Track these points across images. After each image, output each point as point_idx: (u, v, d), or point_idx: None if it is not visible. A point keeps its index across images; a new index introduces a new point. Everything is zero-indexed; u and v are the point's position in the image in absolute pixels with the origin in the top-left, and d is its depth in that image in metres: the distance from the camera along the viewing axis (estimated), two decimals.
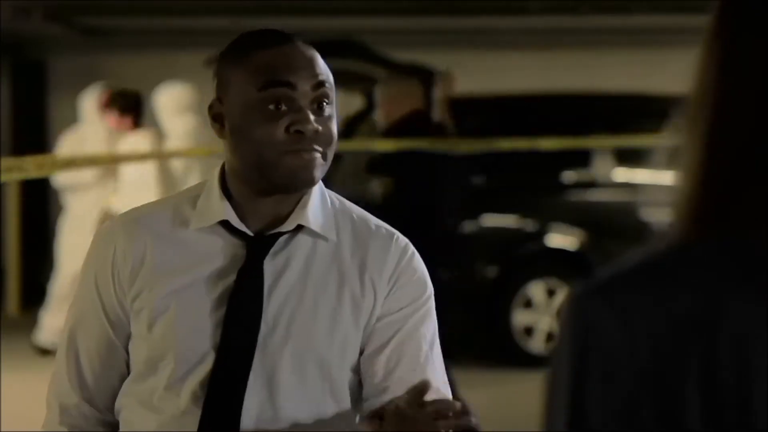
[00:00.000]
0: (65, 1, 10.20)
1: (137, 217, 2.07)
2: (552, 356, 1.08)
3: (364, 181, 6.89)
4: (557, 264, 8.25)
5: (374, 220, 2.08)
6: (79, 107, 8.38)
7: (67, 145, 8.12)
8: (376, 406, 1.93)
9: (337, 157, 2.06)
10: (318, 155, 1.94)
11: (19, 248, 10.54)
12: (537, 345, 8.05)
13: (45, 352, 8.01)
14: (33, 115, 12.08)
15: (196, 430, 1.94)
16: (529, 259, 8.29)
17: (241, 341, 1.95)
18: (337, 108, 2.01)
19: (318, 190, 2.03)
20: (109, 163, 7.72)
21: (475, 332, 8.42)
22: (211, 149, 7.28)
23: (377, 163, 6.79)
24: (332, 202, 2.07)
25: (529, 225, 8.17)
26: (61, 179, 8.05)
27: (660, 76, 8.21)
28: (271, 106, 1.92)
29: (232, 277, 1.97)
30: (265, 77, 1.93)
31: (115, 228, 2.05)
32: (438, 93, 7.03)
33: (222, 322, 1.96)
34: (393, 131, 6.53)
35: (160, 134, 7.91)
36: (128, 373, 2.05)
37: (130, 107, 7.92)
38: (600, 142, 8.13)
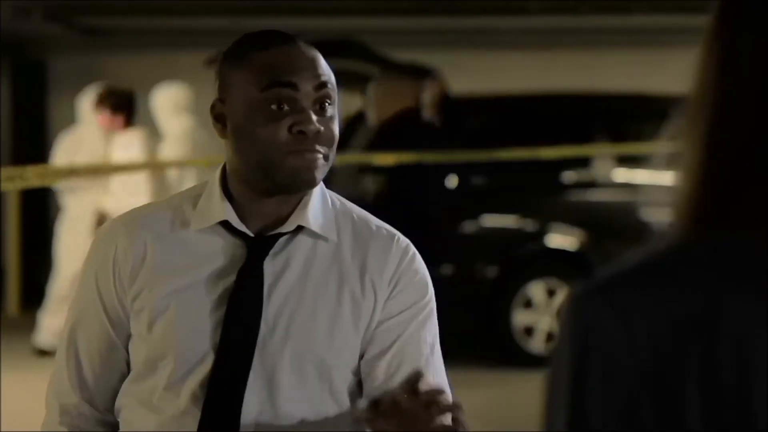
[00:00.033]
0: (65, 1, 10.20)
1: (138, 217, 2.07)
2: (552, 356, 1.08)
3: (358, 180, 6.90)
4: (557, 264, 8.25)
5: (375, 221, 2.08)
6: (78, 107, 8.38)
7: (64, 145, 8.12)
8: None
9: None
10: (320, 156, 1.94)
11: (19, 248, 10.54)
12: (537, 345, 8.05)
13: (44, 354, 8.00)
14: (33, 115, 12.08)
15: (195, 430, 1.94)
16: (529, 259, 8.28)
17: (240, 341, 1.95)
18: (339, 108, 2.01)
19: (319, 191, 2.03)
20: (111, 172, 7.73)
21: (475, 332, 8.42)
22: (209, 160, 7.30)
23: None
24: (333, 203, 2.07)
25: (529, 225, 8.17)
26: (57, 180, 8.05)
27: (660, 76, 8.21)
28: (274, 107, 1.92)
29: (232, 278, 1.97)
30: (268, 78, 1.93)
31: (116, 228, 2.05)
32: (429, 94, 7.04)
33: (222, 322, 1.96)
34: (383, 129, 6.53)
35: (152, 134, 7.90)
36: (128, 373, 2.05)
37: (122, 106, 7.92)
38: (600, 149, 8.12)
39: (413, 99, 6.83)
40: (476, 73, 10.89)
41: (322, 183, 2.02)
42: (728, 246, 1.05)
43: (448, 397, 1.81)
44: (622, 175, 8.17)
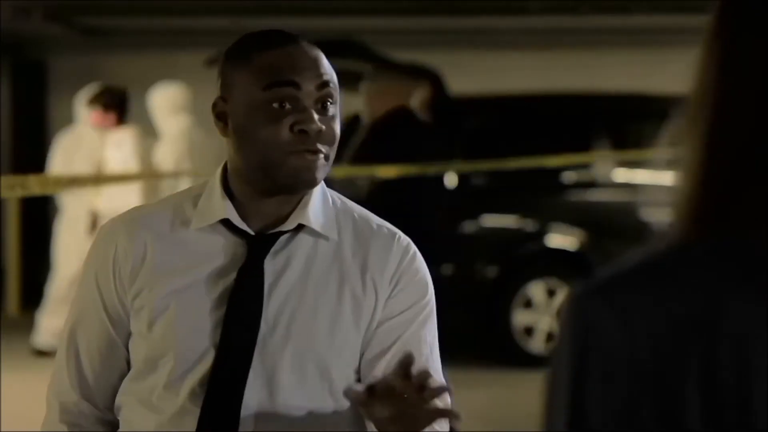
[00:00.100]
0: (65, 1, 10.20)
1: (138, 216, 2.07)
2: (552, 356, 1.08)
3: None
4: (557, 264, 8.25)
5: (376, 220, 2.08)
6: (76, 107, 8.39)
7: (63, 144, 8.12)
8: None
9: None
10: (321, 156, 1.94)
11: (19, 249, 10.54)
12: (537, 345, 8.05)
13: (43, 354, 8.00)
14: (33, 115, 12.08)
15: (195, 428, 1.94)
16: (529, 259, 8.29)
17: (241, 340, 1.95)
18: (340, 107, 2.01)
19: (320, 190, 2.03)
20: (114, 182, 7.73)
21: (475, 332, 8.42)
22: (199, 172, 7.32)
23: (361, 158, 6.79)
24: (334, 202, 2.07)
25: (529, 225, 8.17)
26: None
27: (660, 76, 8.21)
28: (275, 105, 1.92)
29: (233, 276, 1.98)
30: (270, 77, 1.93)
31: (117, 227, 2.05)
32: (419, 95, 7.03)
33: (222, 321, 1.96)
34: (376, 128, 6.53)
35: (144, 132, 7.90)
36: (128, 372, 2.05)
37: (114, 104, 7.91)
38: (602, 156, 8.12)
39: (406, 98, 6.84)
40: (476, 73, 10.88)
41: (323, 182, 2.02)
42: (728, 246, 1.05)
43: (439, 379, 1.82)
44: (622, 175, 8.17)
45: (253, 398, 1.94)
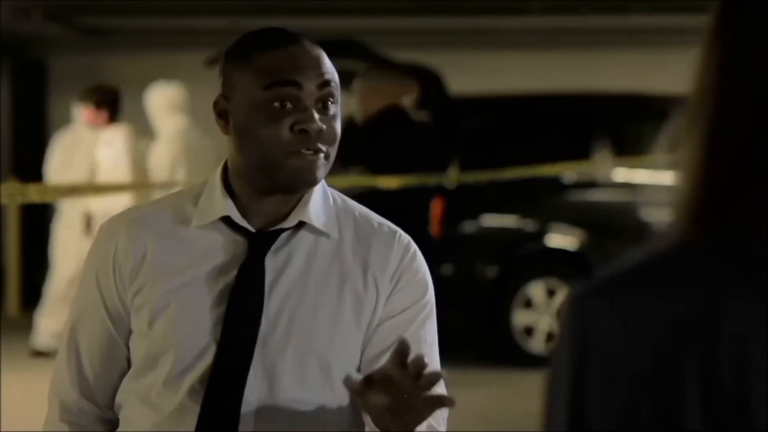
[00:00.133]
0: (65, 1, 10.20)
1: (138, 215, 2.08)
2: (552, 356, 1.08)
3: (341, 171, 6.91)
4: (557, 264, 8.25)
5: (377, 218, 2.08)
6: (74, 107, 8.39)
7: (62, 143, 8.12)
8: None
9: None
10: (321, 156, 1.94)
11: (19, 249, 10.54)
12: (537, 345, 8.05)
13: (42, 356, 8.00)
14: (33, 115, 12.08)
15: (194, 425, 1.94)
16: (529, 259, 8.29)
17: (241, 337, 1.95)
18: (342, 107, 2.01)
19: (320, 188, 2.04)
20: (115, 192, 7.72)
21: (475, 332, 8.43)
22: (192, 176, 7.32)
23: (352, 155, 6.79)
24: (335, 200, 2.07)
25: (529, 225, 8.17)
26: (53, 179, 8.05)
27: (660, 76, 8.21)
28: (276, 105, 1.93)
29: (233, 274, 1.98)
30: (271, 77, 1.93)
31: (117, 226, 2.06)
32: (409, 95, 7.04)
33: (222, 318, 1.96)
34: (370, 126, 6.53)
35: (136, 131, 7.89)
36: (129, 370, 2.05)
37: (105, 102, 7.91)
38: (603, 166, 8.12)
39: (398, 97, 6.85)
40: (476, 73, 10.89)
41: (323, 180, 2.02)
42: (728, 246, 1.05)
43: (434, 366, 1.82)
44: (622, 175, 8.17)
45: (253, 395, 1.94)
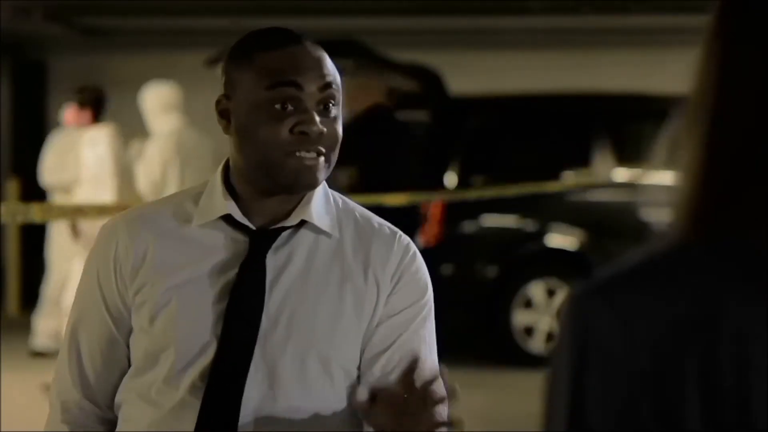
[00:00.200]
0: (65, 1, 10.20)
1: (139, 214, 2.08)
2: (552, 356, 1.08)
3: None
4: (557, 264, 8.25)
5: (377, 219, 2.09)
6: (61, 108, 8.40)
7: (55, 145, 8.12)
8: None
9: None
10: (321, 158, 1.95)
11: (19, 250, 10.55)
12: (537, 345, 8.05)
13: (41, 357, 8.00)
14: (33, 115, 12.09)
15: (194, 422, 1.94)
16: (529, 259, 8.29)
17: (242, 334, 1.96)
18: (343, 108, 2.02)
19: (322, 189, 2.04)
20: (116, 211, 7.71)
21: (475, 332, 8.43)
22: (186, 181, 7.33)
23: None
24: (335, 201, 2.08)
25: (529, 225, 8.18)
26: (48, 179, 8.05)
27: (660, 76, 8.21)
28: (277, 106, 1.93)
29: (234, 271, 1.98)
30: (273, 77, 1.93)
31: (117, 225, 2.06)
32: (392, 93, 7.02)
33: (223, 316, 1.96)
34: (357, 122, 6.53)
35: (120, 131, 7.89)
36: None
37: (89, 102, 7.91)
38: (601, 175, 8.13)
39: (383, 95, 6.85)
40: (476, 73, 10.89)
41: (324, 182, 2.03)
42: (728, 246, 1.05)
43: (442, 387, 1.81)
44: (622, 175, 8.17)
45: (253, 392, 1.95)
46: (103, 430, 2.09)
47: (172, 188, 7.51)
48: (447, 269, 7.93)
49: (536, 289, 8.13)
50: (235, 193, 2.02)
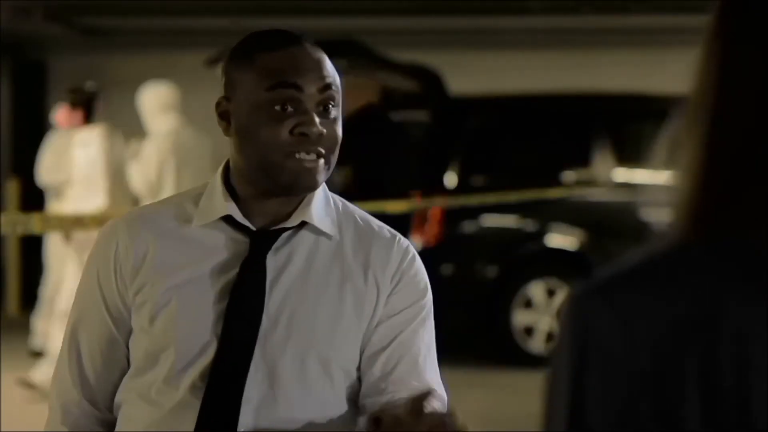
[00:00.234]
0: (65, 1, 10.20)
1: (139, 215, 2.09)
2: (552, 356, 1.08)
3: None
4: (557, 264, 8.25)
5: (377, 222, 2.10)
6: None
7: (52, 145, 8.12)
8: (374, 406, 1.94)
9: None
10: (321, 160, 1.95)
11: (19, 249, 10.54)
12: (537, 345, 8.05)
13: (41, 357, 8.00)
14: (33, 115, 12.08)
15: (194, 422, 1.94)
16: (529, 259, 8.29)
17: (242, 334, 1.96)
18: (343, 108, 2.02)
19: (321, 191, 2.05)
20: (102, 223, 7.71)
21: (475, 332, 8.43)
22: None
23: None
24: (335, 203, 2.09)
25: (529, 225, 8.18)
26: (45, 179, 8.04)
27: (660, 76, 8.21)
28: (277, 107, 1.94)
29: (235, 272, 1.99)
30: (273, 79, 1.94)
31: (118, 226, 2.07)
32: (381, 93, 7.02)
33: (223, 316, 1.96)
34: (348, 123, 6.53)
35: (112, 131, 7.88)
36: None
37: (81, 103, 7.91)
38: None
39: (375, 94, 6.85)
40: (476, 73, 10.89)
41: (324, 184, 2.03)
42: (728, 246, 1.05)
43: (454, 423, 1.79)
44: (622, 175, 8.17)
45: (253, 392, 1.95)
46: (102, 431, 2.09)
47: (168, 188, 7.51)
48: (447, 269, 7.93)
49: (536, 289, 8.13)
50: (235, 194, 2.02)
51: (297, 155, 1.93)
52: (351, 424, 2.01)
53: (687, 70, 1.10)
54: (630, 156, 8.08)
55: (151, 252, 2.01)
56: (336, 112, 1.98)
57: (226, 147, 2.06)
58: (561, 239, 8.16)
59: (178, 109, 7.83)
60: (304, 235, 2.03)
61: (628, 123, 8.38)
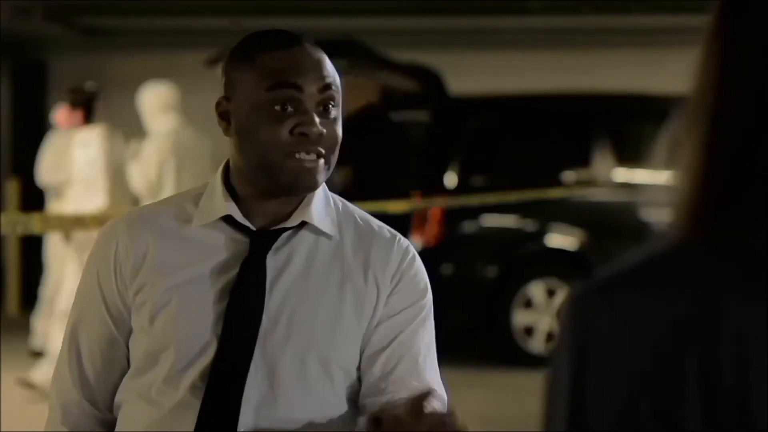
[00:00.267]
0: (65, 1, 10.20)
1: (140, 215, 2.09)
2: (552, 356, 1.08)
3: None
4: (557, 264, 8.25)
5: (377, 222, 2.10)
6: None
7: (52, 145, 8.12)
8: (374, 406, 1.94)
9: None
10: (321, 160, 1.95)
11: (19, 249, 10.54)
12: (537, 345, 8.05)
13: (41, 357, 8.00)
14: (33, 115, 12.08)
15: (194, 422, 1.94)
16: (529, 259, 8.29)
17: (242, 334, 1.96)
18: (343, 109, 2.02)
19: (322, 191, 2.05)
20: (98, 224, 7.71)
21: (475, 332, 8.43)
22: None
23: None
24: (335, 204, 2.09)
25: (529, 225, 8.18)
26: (45, 178, 8.04)
27: (660, 76, 8.21)
28: (277, 107, 1.94)
29: (235, 272, 1.99)
30: (273, 79, 1.94)
31: (118, 226, 2.07)
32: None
33: (223, 316, 1.97)
34: (348, 123, 6.52)
35: (112, 131, 7.88)
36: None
37: (81, 103, 7.91)
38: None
39: (375, 95, 6.85)
40: (476, 73, 10.89)
41: (324, 184, 2.03)
42: (728, 246, 1.05)
43: (454, 422, 1.79)
44: (622, 175, 8.17)
45: (253, 392, 1.95)
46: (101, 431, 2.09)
47: (167, 188, 7.51)
48: (447, 269, 7.92)
49: (536, 289, 8.13)
50: (235, 194, 2.02)
51: (297, 155, 1.94)
52: (351, 424, 2.01)
53: (687, 70, 1.10)
54: (630, 156, 8.08)
55: (151, 252, 2.01)
56: (336, 112, 1.98)
57: (226, 147, 2.06)
58: (561, 239, 8.16)
59: (178, 109, 7.82)
60: (304, 235, 2.03)
61: (628, 123, 8.38)
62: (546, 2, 9.73)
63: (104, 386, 2.07)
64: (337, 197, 2.12)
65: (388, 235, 2.08)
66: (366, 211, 2.15)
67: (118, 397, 2.06)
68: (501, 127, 8.42)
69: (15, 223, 5.52)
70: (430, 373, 2.02)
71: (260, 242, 2.00)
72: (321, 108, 1.96)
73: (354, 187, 6.32)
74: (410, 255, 2.06)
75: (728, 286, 1.03)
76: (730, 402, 1.00)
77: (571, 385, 1.04)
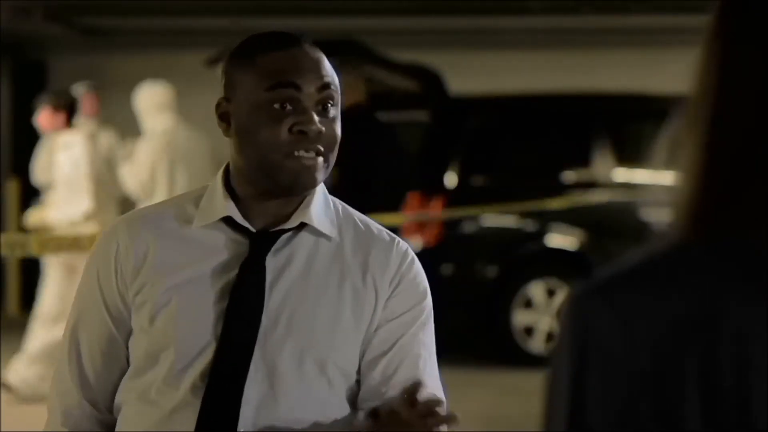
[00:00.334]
0: (65, 1, 10.20)
1: (140, 216, 2.10)
2: (552, 356, 1.08)
3: None
4: (557, 264, 8.25)
5: (376, 225, 2.11)
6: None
7: (47, 146, 8.12)
8: None
9: None
10: (320, 158, 1.96)
11: None
12: (537, 345, 8.05)
13: None
14: (33, 115, 12.07)
15: (194, 422, 1.95)
16: (529, 259, 8.29)
17: (241, 335, 1.96)
18: (341, 109, 2.03)
19: (321, 193, 2.06)
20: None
21: (475, 332, 8.43)
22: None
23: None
24: (335, 206, 2.09)
25: (529, 225, 8.18)
26: (39, 178, 8.03)
27: (660, 76, 8.21)
28: (276, 106, 1.95)
29: (234, 272, 1.99)
30: (272, 79, 1.95)
31: (118, 226, 2.07)
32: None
33: (223, 316, 1.97)
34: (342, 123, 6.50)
35: (95, 133, 7.86)
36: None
37: (64, 106, 7.90)
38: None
39: (362, 94, 6.85)
40: (476, 73, 10.88)
41: (324, 187, 2.04)
42: (728, 246, 1.05)
43: (445, 408, 1.82)
44: (622, 175, 8.17)
45: (253, 392, 1.95)
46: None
47: (160, 188, 7.50)
48: (447, 269, 7.93)
49: (536, 289, 8.13)
50: (235, 196, 2.03)
51: (296, 153, 1.94)
52: (351, 425, 2.01)
53: (687, 70, 1.10)
54: (630, 156, 8.08)
55: (152, 252, 2.02)
56: (335, 112, 1.99)
57: (226, 148, 2.07)
58: (561, 239, 8.16)
59: (174, 108, 7.82)
60: (304, 236, 2.03)
61: (628, 123, 8.38)
62: (546, 2, 9.73)
63: (104, 386, 2.07)
64: (337, 200, 2.12)
65: (387, 238, 2.08)
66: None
67: (117, 398, 2.06)
68: (501, 127, 8.42)
69: (14, 246, 5.53)
70: (431, 378, 2.02)
71: (260, 243, 2.01)
72: (320, 107, 1.97)
73: (340, 188, 6.32)
74: (409, 258, 2.06)
75: (728, 286, 1.03)
76: (730, 402, 1.00)
77: (571, 385, 1.04)
